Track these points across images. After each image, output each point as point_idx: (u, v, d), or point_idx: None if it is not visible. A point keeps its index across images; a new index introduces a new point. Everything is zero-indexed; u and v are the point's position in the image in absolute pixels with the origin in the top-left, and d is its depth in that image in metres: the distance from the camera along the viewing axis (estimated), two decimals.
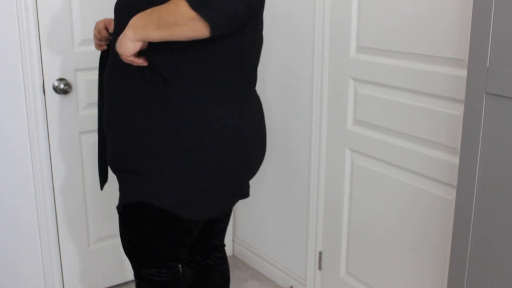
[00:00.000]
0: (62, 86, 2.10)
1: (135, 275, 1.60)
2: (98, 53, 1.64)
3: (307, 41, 2.14)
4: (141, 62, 1.33)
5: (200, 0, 1.19)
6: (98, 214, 2.31)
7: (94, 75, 1.99)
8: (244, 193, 1.55)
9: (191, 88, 1.35)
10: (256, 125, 1.49)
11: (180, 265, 1.61)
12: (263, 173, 2.46)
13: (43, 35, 2.04)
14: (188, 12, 1.19)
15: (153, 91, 1.36)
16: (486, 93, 1.21)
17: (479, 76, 1.22)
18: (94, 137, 2.18)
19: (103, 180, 1.68)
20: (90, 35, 2.03)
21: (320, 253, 2.25)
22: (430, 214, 1.76)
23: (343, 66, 1.99)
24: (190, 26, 1.21)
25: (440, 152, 1.70)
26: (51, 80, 2.09)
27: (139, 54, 1.33)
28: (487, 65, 1.20)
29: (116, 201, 1.60)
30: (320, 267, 2.26)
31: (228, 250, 2.77)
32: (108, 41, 1.57)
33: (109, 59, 1.49)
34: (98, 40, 1.60)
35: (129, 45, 1.28)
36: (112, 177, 1.62)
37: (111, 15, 1.52)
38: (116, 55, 1.38)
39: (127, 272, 2.44)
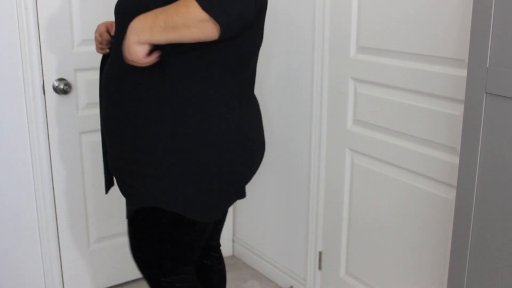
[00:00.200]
0: (62, 86, 2.10)
1: (154, 286, 1.56)
2: (98, 53, 1.63)
3: (307, 41, 2.14)
4: (155, 58, 1.29)
5: (211, 1, 1.16)
6: (98, 214, 2.31)
7: (94, 75, 1.99)
8: (243, 193, 1.56)
9: (193, 89, 1.34)
10: (255, 125, 1.49)
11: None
12: (263, 173, 2.46)
13: (43, 35, 2.04)
14: (199, 13, 1.16)
15: (154, 92, 1.34)
16: (486, 93, 1.21)
17: (479, 76, 1.22)
18: (94, 137, 2.18)
19: (108, 184, 1.65)
20: (90, 35, 2.03)
21: (320, 253, 2.25)
22: (430, 214, 1.76)
23: (343, 66, 1.99)
24: (199, 28, 1.18)
25: (440, 152, 1.70)
26: (51, 80, 2.09)
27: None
28: (487, 65, 1.20)
29: (116, 201, 1.60)
30: (320, 267, 2.26)
31: (228, 250, 2.77)
32: (110, 44, 1.55)
33: (108, 61, 1.47)
34: (100, 44, 1.58)
35: (138, 50, 1.24)
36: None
37: (111, 15, 1.50)
38: (116, 57, 1.37)
39: (127, 272, 2.44)
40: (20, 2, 1.97)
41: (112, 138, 1.45)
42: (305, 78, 2.18)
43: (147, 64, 1.28)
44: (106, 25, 1.57)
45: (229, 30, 1.20)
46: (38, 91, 2.07)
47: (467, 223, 1.30)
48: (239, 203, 2.65)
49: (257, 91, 1.57)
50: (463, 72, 1.57)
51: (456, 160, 1.60)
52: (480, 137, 1.24)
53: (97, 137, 1.75)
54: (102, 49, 1.58)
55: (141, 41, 1.23)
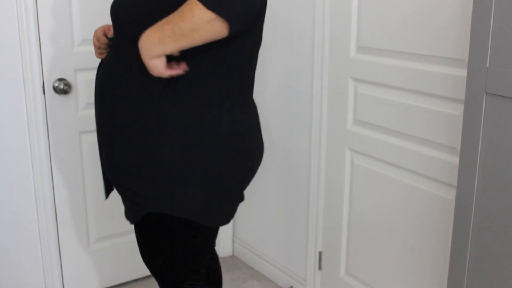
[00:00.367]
0: (62, 86, 2.10)
1: None
2: (98, 58, 1.60)
3: (307, 41, 2.14)
4: (182, 68, 1.27)
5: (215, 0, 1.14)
6: (98, 214, 2.31)
7: (94, 75, 1.99)
8: (242, 196, 1.55)
9: (193, 93, 1.32)
10: (255, 127, 1.48)
11: None
12: (263, 173, 2.46)
13: (43, 35, 2.04)
14: (205, 14, 1.14)
15: (153, 96, 1.32)
16: (486, 93, 1.21)
17: (479, 76, 1.22)
18: (94, 137, 2.16)
19: (108, 189, 1.62)
20: (90, 35, 2.02)
21: (320, 253, 2.25)
22: (430, 214, 1.76)
23: (343, 66, 1.99)
24: (208, 29, 1.16)
25: (439, 152, 1.70)
26: (51, 80, 2.10)
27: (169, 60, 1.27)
28: (487, 65, 1.20)
29: (116, 201, 1.59)
30: (320, 267, 2.26)
31: (228, 250, 2.78)
32: (109, 47, 1.53)
33: (104, 63, 1.45)
34: (98, 48, 1.55)
35: (155, 64, 1.22)
36: None
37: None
38: (113, 59, 1.35)
39: (128, 272, 2.44)
40: (20, 2, 1.97)
41: (110, 145, 1.42)
42: (305, 78, 2.18)
43: (174, 75, 1.26)
44: (103, 29, 1.55)
45: (237, 25, 1.18)
46: (38, 91, 2.07)
47: (467, 223, 1.30)
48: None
49: (257, 91, 1.57)
50: (463, 72, 1.57)
51: (456, 160, 1.60)
52: (480, 137, 1.24)
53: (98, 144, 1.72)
54: (101, 53, 1.56)
55: (153, 55, 1.21)
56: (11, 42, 1.99)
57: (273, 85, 2.35)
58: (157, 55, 1.21)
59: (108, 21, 1.53)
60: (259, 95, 1.42)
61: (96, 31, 1.55)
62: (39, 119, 2.09)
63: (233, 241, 2.78)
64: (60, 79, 2.11)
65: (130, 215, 1.48)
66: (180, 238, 1.44)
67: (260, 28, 1.39)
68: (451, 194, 1.66)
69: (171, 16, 1.19)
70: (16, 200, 2.11)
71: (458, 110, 1.61)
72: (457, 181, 1.31)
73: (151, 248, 1.49)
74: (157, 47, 1.20)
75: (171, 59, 1.27)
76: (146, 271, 1.61)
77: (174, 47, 1.20)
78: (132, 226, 1.53)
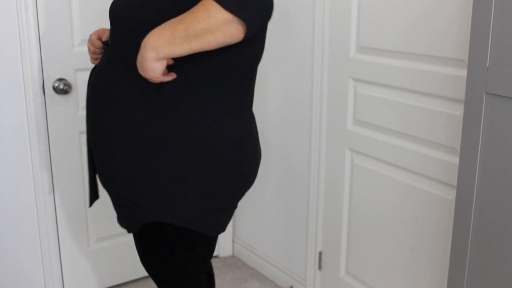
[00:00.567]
0: (62, 86, 2.10)
1: None
2: (93, 64, 1.56)
3: (307, 41, 2.14)
4: (170, 77, 1.22)
5: (233, 0, 1.09)
6: (98, 214, 2.31)
7: None
8: (237, 203, 1.54)
9: (193, 98, 1.27)
10: (254, 134, 1.44)
11: None
12: (263, 174, 2.46)
13: (43, 35, 2.04)
14: (222, 15, 1.09)
15: (153, 101, 1.27)
16: (486, 93, 1.21)
17: (479, 76, 1.22)
18: None
19: (93, 197, 1.58)
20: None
21: (320, 253, 2.25)
22: (429, 214, 1.76)
23: (343, 66, 1.99)
24: (223, 32, 1.11)
25: (439, 152, 1.70)
26: (51, 80, 2.09)
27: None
28: (487, 65, 1.20)
29: None
30: (320, 267, 2.26)
31: (228, 250, 2.78)
32: (103, 51, 1.48)
33: (97, 67, 1.40)
34: (93, 53, 1.50)
35: (156, 67, 1.16)
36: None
37: None
38: (108, 63, 1.32)
39: (127, 272, 2.44)
40: (20, 2, 1.97)
41: (106, 153, 1.36)
42: (305, 78, 2.18)
43: (164, 81, 1.21)
44: (98, 33, 1.49)
45: (253, 28, 1.14)
46: (38, 91, 2.07)
47: (467, 223, 1.30)
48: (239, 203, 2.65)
49: (257, 92, 1.57)
50: (463, 72, 1.57)
51: (456, 160, 1.60)
52: (480, 137, 1.24)
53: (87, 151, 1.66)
54: (96, 59, 1.50)
55: (160, 57, 1.15)
56: (11, 42, 1.99)
57: (273, 86, 2.35)
58: (163, 57, 1.15)
59: (108, 21, 1.52)
60: (259, 96, 1.42)
61: (90, 36, 1.50)
62: (39, 119, 2.09)
63: (233, 241, 2.78)
64: (60, 79, 2.11)
65: (127, 223, 1.43)
66: (181, 247, 1.41)
67: (264, 34, 1.35)
68: (451, 194, 1.66)
69: (183, 16, 1.13)
70: (16, 200, 2.11)
71: (458, 110, 1.61)
72: (457, 181, 1.31)
73: (151, 256, 1.46)
74: (166, 48, 1.14)
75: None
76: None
77: (184, 50, 1.14)
78: None
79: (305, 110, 2.20)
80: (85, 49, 2.13)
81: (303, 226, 2.32)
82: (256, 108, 1.53)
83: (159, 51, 1.14)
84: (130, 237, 2.25)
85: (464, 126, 1.27)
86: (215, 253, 2.60)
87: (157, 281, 1.51)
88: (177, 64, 1.24)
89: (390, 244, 1.92)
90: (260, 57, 1.37)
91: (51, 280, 2.25)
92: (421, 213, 1.79)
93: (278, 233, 2.48)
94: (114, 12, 1.34)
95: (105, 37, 1.49)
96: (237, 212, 2.73)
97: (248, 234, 2.69)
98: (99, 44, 1.47)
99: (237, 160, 1.35)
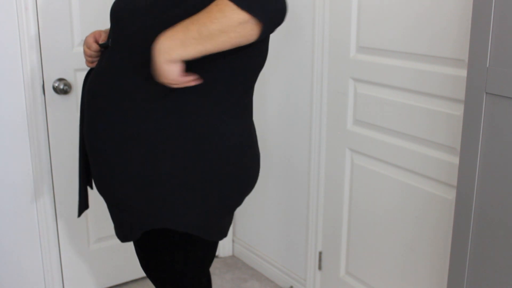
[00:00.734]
0: (62, 86, 2.10)
1: None
2: (88, 67, 1.50)
3: (307, 41, 2.14)
4: (194, 79, 1.17)
5: (249, 0, 1.07)
6: (98, 214, 2.31)
7: None
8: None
9: (197, 102, 1.25)
10: (255, 138, 1.43)
11: None
12: (263, 174, 2.45)
13: (43, 35, 2.04)
14: (238, 15, 1.06)
15: (155, 106, 1.24)
16: (486, 93, 1.21)
17: (479, 76, 1.22)
18: None
19: (83, 206, 1.54)
20: None
21: (320, 253, 2.25)
22: (429, 214, 1.76)
23: (343, 66, 1.99)
24: (238, 32, 1.08)
25: (439, 152, 1.70)
26: (51, 80, 2.09)
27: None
28: (487, 65, 1.20)
29: None
30: (320, 267, 2.26)
31: (228, 250, 2.78)
32: (100, 53, 1.43)
33: (95, 70, 1.36)
34: (89, 56, 1.44)
35: (171, 70, 1.12)
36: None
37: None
38: (108, 66, 1.29)
39: (127, 272, 2.44)
40: (20, 2, 1.97)
41: (105, 160, 1.32)
42: (305, 78, 2.18)
43: (186, 85, 1.17)
44: (94, 36, 1.44)
45: (269, 29, 1.12)
46: (38, 91, 2.07)
47: (467, 223, 1.30)
48: None
49: (257, 92, 1.57)
50: (463, 72, 1.57)
51: (456, 160, 1.60)
52: (480, 137, 1.24)
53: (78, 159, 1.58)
54: (92, 62, 1.45)
55: (172, 59, 1.11)
56: (11, 42, 1.99)
57: (273, 86, 2.35)
58: (175, 59, 1.11)
59: (108, 21, 1.50)
60: (259, 96, 1.42)
61: (86, 38, 1.45)
62: (39, 119, 2.09)
63: (233, 241, 2.78)
64: (60, 79, 2.11)
65: (127, 232, 1.38)
66: (183, 252, 1.39)
67: (269, 36, 1.32)
68: (451, 194, 1.66)
69: (196, 17, 1.10)
70: (16, 200, 2.11)
71: (458, 110, 1.61)
72: (457, 181, 1.31)
73: (152, 262, 1.44)
74: (178, 50, 1.10)
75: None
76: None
77: (197, 51, 1.11)
78: None
79: (305, 110, 2.20)
80: None
81: (303, 226, 2.32)
82: (256, 108, 1.53)
83: (172, 53, 1.11)
84: None
85: (464, 126, 1.27)
86: None
87: (156, 284, 1.50)
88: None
89: (390, 244, 1.92)
90: (265, 60, 1.36)
91: (51, 280, 2.25)
92: (421, 213, 1.79)
93: (278, 233, 2.48)
94: (116, 15, 1.30)
95: (102, 39, 1.44)
96: (237, 212, 2.73)
97: (248, 234, 2.69)
98: (96, 47, 1.42)
99: (239, 164, 1.33)
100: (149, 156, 1.26)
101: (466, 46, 1.51)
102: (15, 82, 2.03)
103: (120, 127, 1.28)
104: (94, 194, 2.27)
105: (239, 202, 1.42)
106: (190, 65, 1.18)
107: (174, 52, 1.11)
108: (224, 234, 1.43)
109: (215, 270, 2.59)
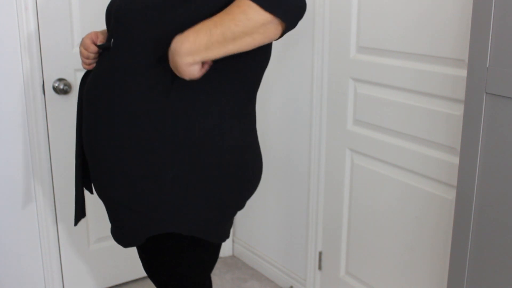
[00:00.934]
0: (62, 86, 2.10)
1: None
2: (85, 69, 1.45)
3: (307, 41, 2.14)
4: (207, 68, 1.19)
5: (271, 0, 1.07)
6: (98, 214, 2.31)
7: None
8: None
9: (201, 104, 1.24)
10: (257, 139, 1.42)
11: None
12: (264, 174, 2.45)
13: (43, 35, 2.04)
14: (261, 16, 1.07)
15: (158, 108, 1.22)
16: (486, 93, 1.21)
17: (479, 76, 1.22)
18: None
19: (80, 215, 1.52)
20: None
21: (320, 253, 2.25)
22: (429, 214, 1.76)
23: (343, 66, 1.99)
24: (262, 33, 1.09)
25: (439, 152, 1.70)
26: (51, 80, 2.10)
27: None
28: (487, 65, 1.20)
29: None
30: (320, 267, 2.26)
31: (228, 250, 2.78)
32: (97, 54, 1.39)
33: (94, 73, 1.34)
34: (86, 58, 1.40)
35: (194, 70, 1.14)
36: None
37: None
38: (108, 67, 1.28)
39: (127, 272, 2.44)
40: (20, 2, 1.97)
41: (107, 164, 1.30)
42: (305, 78, 2.18)
43: (201, 75, 1.19)
44: (91, 37, 1.41)
45: (291, 27, 1.12)
46: (38, 91, 2.07)
47: (467, 223, 1.30)
48: None
49: (258, 92, 1.57)
50: (463, 72, 1.57)
51: (456, 160, 1.60)
52: (480, 137, 1.24)
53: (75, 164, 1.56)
54: (89, 64, 1.41)
55: (196, 61, 1.13)
56: (11, 42, 1.99)
57: (273, 86, 2.35)
58: (199, 61, 1.13)
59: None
60: (259, 96, 1.41)
61: (83, 39, 1.42)
62: (39, 119, 2.09)
63: (233, 241, 2.78)
64: (60, 79, 2.11)
65: (130, 238, 1.36)
66: (187, 255, 1.38)
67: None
68: (451, 194, 1.66)
69: (217, 19, 1.11)
70: (16, 200, 2.11)
71: (458, 110, 1.61)
72: (457, 181, 1.31)
73: (156, 265, 1.43)
74: (202, 53, 1.12)
75: None
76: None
77: (220, 53, 1.12)
78: None
79: (305, 110, 2.20)
80: None
81: (303, 226, 2.32)
82: (256, 108, 1.52)
83: (195, 57, 1.12)
84: None
85: (464, 126, 1.27)
86: None
87: (159, 286, 1.49)
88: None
89: (390, 244, 1.92)
90: (268, 60, 1.36)
91: (51, 280, 2.25)
92: (421, 213, 1.79)
93: (278, 233, 2.48)
94: (120, 13, 1.28)
95: (100, 40, 1.41)
96: (238, 212, 2.73)
97: (248, 234, 2.69)
98: (94, 48, 1.38)
99: (242, 166, 1.33)
100: (152, 159, 1.25)
101: (466, 46, 1.51)
102: (15, 82, 2.03)
103: (123, 130, 1.26)
104: (94, 197, 2.28)
105: (242, 203, 1.41)
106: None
107: (197, 56, 1.12)
108: (227, 236, 1.42)
109: (215, 270, 2.59)
